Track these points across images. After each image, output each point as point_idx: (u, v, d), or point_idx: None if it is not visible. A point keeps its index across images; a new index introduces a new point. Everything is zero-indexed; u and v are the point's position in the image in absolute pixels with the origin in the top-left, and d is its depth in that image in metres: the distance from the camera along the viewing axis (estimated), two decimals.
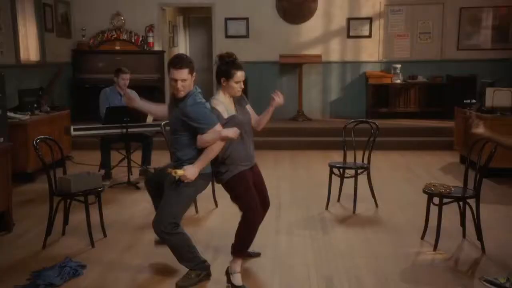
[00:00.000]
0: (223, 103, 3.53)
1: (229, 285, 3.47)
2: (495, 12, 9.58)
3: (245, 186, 3.50)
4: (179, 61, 3.37)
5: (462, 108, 7.15)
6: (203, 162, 3.38)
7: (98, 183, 4.28)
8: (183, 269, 3.56)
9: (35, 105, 6.72)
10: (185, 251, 3.49)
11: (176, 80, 3.35)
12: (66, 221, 4.40)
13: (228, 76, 3.50)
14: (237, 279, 3.45)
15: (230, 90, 3.54)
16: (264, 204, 3.75)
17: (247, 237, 3.53)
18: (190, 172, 3.33)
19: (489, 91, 6.46)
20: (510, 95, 6.33)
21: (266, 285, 3.54)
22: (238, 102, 3.64)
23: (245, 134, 3.58)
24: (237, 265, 3.50)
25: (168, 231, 3.39)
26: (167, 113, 3.69)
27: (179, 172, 3.31)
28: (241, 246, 3.55)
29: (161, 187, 3.56)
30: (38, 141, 4.16)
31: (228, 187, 3.58)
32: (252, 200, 3.49)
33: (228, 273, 3.52)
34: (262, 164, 7.28)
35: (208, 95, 3.90)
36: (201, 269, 3.53)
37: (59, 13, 9.14)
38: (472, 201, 4.08)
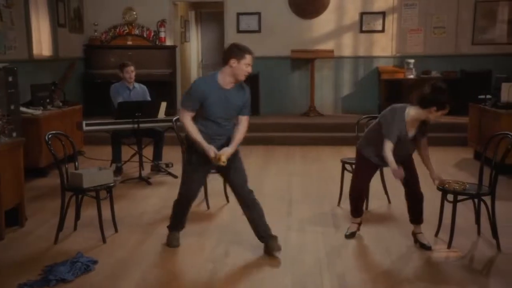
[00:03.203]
0: None
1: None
2: None
3: None
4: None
5: (477, 103, 7.04)
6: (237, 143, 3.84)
7: (109, 179, 4.27)
8: (194, 266, 3.53)
9: (48, 100, 6.74)
10: None
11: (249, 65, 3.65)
12: (78, 216, 4.40)
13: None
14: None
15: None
16: None
17: None
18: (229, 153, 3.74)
19: (504, 86, 6.37)
20: None
21: (278, 282, 3.51)
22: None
23: None
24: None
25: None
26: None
27: (224, 158, 3.65)
28: None
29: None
30: (50, 136, 4.17)
31: None
32: None
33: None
34: (273, 160, 7.33)
35: None
36: None
37: (71, 8, 9.16)
38: (487, 198, 4.02)
